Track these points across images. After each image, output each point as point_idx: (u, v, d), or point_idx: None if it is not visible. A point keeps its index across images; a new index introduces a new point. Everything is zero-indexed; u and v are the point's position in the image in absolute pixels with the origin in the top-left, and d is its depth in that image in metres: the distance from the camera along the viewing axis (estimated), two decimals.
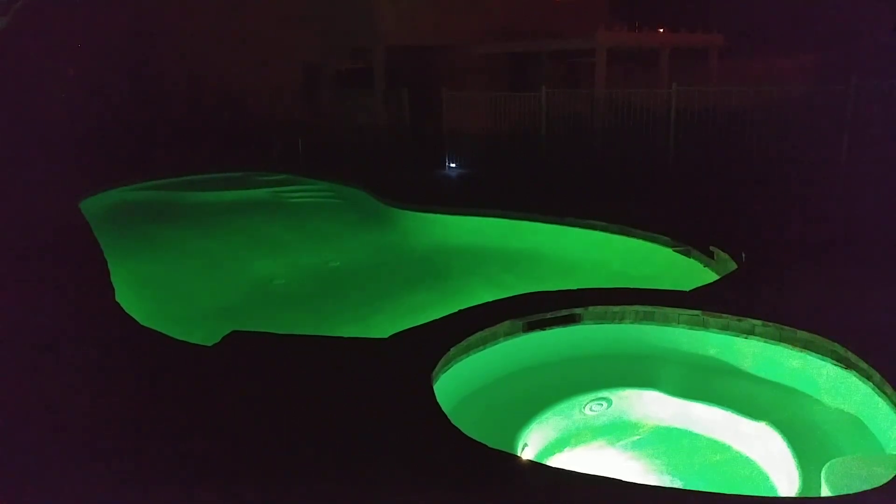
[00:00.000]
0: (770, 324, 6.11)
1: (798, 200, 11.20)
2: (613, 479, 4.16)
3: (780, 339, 6.04)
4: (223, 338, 6.16)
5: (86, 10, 19.09)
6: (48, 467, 4.28)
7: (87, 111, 17.89)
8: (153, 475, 4.19)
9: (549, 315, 6.46)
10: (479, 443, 4.39)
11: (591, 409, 5.83)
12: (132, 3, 20.23)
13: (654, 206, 11.44)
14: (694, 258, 8.83)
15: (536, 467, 4.55)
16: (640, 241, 9.74)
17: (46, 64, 18.98)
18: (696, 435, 5.71)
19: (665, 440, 5.72)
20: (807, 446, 5.02)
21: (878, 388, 5.15)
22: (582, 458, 5.53)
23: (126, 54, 20.18)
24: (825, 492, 4.12)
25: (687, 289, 7.11)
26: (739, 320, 6.26)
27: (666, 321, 6.55)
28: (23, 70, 17.78)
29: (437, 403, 4.87)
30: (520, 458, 4.88)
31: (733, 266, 8.02)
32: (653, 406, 5.89)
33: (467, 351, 5.92)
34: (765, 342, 6.13)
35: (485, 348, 6.08)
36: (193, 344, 6.07)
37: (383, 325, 6.80)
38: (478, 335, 6.02)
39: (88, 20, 19.18)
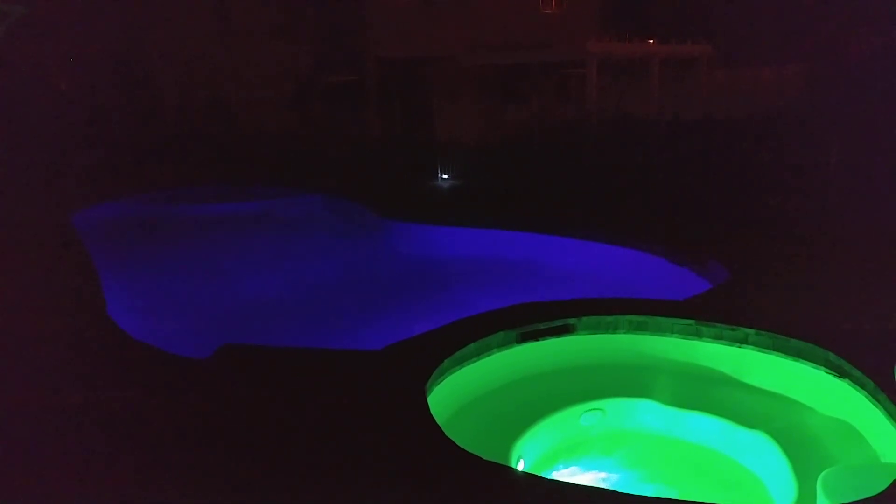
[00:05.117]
0: (763, 332, 6.12)
1: (790, 208, 11.24)
2: (609, 490, 4.15)
3: (774, 348, 6.04)
4: (216, 350, 6.12)
5: (77, 24, 19.09)
6: (37, 481, 4.24)
7: (78, 124, 17.84)
8: (144, 488, 4.15)
9: (542, 325, 6.45)
10: (474, 455, 4.37)
11: (585, 420, 5.81)
12: (124, 16, 20.24)
13: (647, 214, 11.47)
14: (688, 267, 8.84)
15: (532, 479, 4.53)
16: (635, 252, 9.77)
17: (38, 77, 18.95)
18: (692, 444, 5.69)
19: (660, 450, 5.71)
20: (802, 455, 5.01)
21: (872, 397, 5.15)
22: (577, 469, 5.51)
23: (117, 67, 20.18)
24: (821, 501, 4.11)
25: (680, 298, 7.12)
26: (733, 329, 6.26)
27: (659, 331, 6.54)
28: (14, 84, 17.74)
29: (431, 415, 4.84)
30: (515, 469, 4.86)
31: (727, 274, 8.04)
32: (648, 416, 5.88)
33: (461, 362, 5.89)
34: (758, 351, 6.13)
35: (478, 359, 6.06)
36: (186, 357, 6.04)
37: (376, 337, 6.77)
38: (471, 346, 6.00)
39: (80, 33, 19.18)
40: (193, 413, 5.11)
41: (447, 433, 4.62)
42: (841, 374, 5.53)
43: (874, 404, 5.11)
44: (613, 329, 6.61)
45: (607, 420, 5.86)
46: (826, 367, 5.67)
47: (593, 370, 6.36)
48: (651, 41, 23.87)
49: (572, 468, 5.51)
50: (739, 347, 6.22)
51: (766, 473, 5.18)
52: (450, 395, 5.62)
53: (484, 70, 23.69)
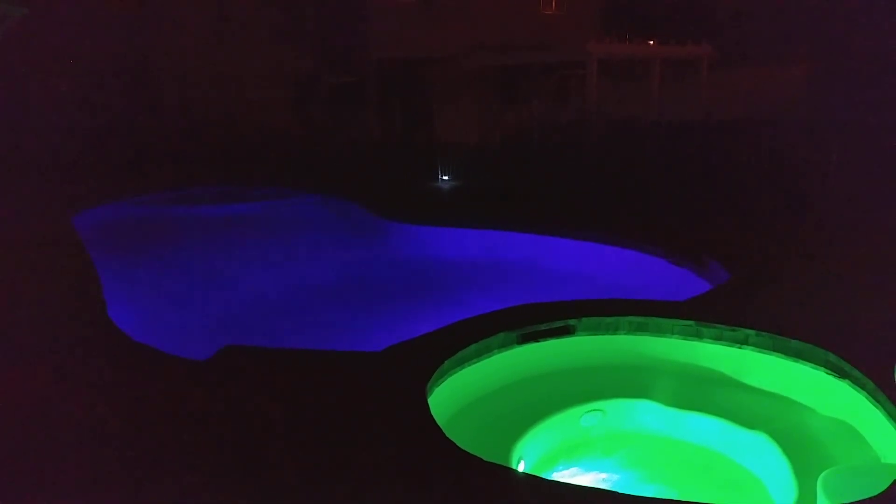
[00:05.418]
0: (763, 333, 6.13)
1: (789, 209, 11.25)
2: (609, 491, 4.15)
3: (774, 349, 6.05)
4: (216, 352, 6.13)
5: (78, 26, 19.10)
6: (37, 483, 4.25)
7: (78, 126, 17.85)
8: (144, 490, 4.16)
9: (543, 327, 6.46)
10: (475, 456, 4.38)
11: (586, 421, 5.82)
12: (124, 18, 20.25)
13: (648, 215, 11.47)
14: (688, 268, 8.85)
15: (532, 480, 4.53)
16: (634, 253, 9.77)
17: (39, 79, 18.97)
18: (692, 445, 5.70)
19: (660, 451, 5.71)
20: (803, 456, 5.02)
21: (872, 397, 5.16)
22: (578, 470, 5.51)
23: (118, 69, 20.19)
24: (821, 502, 4.12)
25: (681, 299, 7.13)
26: (733, 330, 6.27)
27: (660, 332, 6.55)
28: (15, 86, 17.76)
29: (432, 416, 4.85)
30: (515, 470, 4.86)
31: (727, 275, 8.04)
32: (648, 417, 5.89)
33: (461, 363, 5.90)
34: (758, 352, 6.14)
35: (479, 361, 6.06)
36: (187, 358, 6.04)
37: (377, 338, 6.78)
38: (472, 347, 6.01)
39: (81, 36, 19.19)
40: (194, 414, 5.11)
41: (448, 434, 4.63)
42: (841, 374, 5.54)
43: (874, 405, 5.12)
44: (614, 330, 6.62)
45: (608, 421, 5.87)
46: (826, 367, 5.68)
47: (594, 371, 6.37)
48: (651, 42, 23.88)
49: (573, 469, 5.52)
50: (740, 348, 6.23)
51: (767, 474, 5.18)
52: (450, 397, 5.63)
53: (484, 71, 23.70)
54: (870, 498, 3.89)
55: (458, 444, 4.50)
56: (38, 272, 9.06)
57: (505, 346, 6.26)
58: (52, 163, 16.25)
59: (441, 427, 4.72)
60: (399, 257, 11.76)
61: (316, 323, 9.15)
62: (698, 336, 6.41)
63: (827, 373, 5.66)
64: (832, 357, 5.63)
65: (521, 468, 5.13)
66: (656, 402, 5.87)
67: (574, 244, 10.56)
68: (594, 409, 5.84)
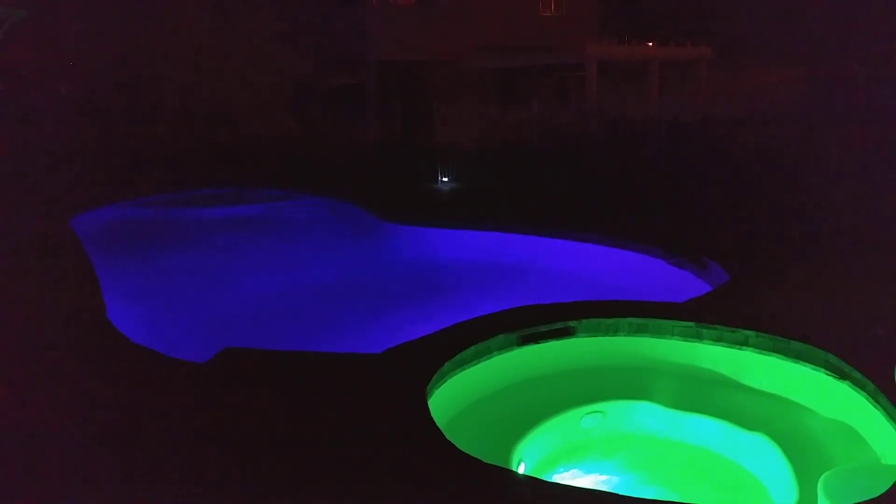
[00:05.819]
0: (763, 334, 6.12)
1: (789, 210, 11.24)
2: (610, 493, 4.15)
3: (774, 350, 6.04)
4: (216, 354, 6.12)
5: (77, 28, 19.12)
6: (38, 486, 4.24)
7: (78, 128, 17.86)
8: (145, 492, 4.15)
9: (543, 328, 6.45)
10: (475, 458, 4.37)
11: (586, 423, 5.81)
12: (123, 21, 20.28)
13: (648, 215, 11.47)
14: (688, 269, 8.84)
15: (533, 482, 4.53)
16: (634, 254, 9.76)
17: (38, 81, 18.99)
18: (692, 447, 5.69)
19: (661, 452, 5.70)
20: (803, 457, 5.01)
21: (873, 398, 5.15)
22: (578, 472, 5.51)
23: (118, 71, 20.22)
24: (822, 503, 4.11)
25: (681, 300, 7.12)
26: (733, 331, 6.27)
27: (660, 333, 6.54)
28: (14, 88, 17.78)
29: (432, 418, 4.84)
30: (516, 472, 4.85)
31: (727, 276, 8.04)
32: (648, 418, 5.88)
33: (461, 365, 5.89)
34: (759, 353, 6.13)
35: (479, 362, 6.06)
36: (186, 361, 6.03)
37: (377, 340, 6.78)
38: (471, 349, 6.00)
39: (80, 37, 19.21)
40: (194, 416, 5.11)
41: (448, 436, 4.62)
42: (841, 375, 5.53)
43: (875, 406, 5.11)
44: (614, 331, 6.61)
45: (608, 422, 5.86)
46: (826, 368, 5.67)
47: (594, 373, 6.36)
48: (650, 43, 23.91)
49: (573, 471, 5.51)
50: (740, 349, 6.22)
51: (767, 475, 5.17)
52: (450, 398, 5.62)
53: (484, 73, 23.72)
54: (870, 499, 3.88)
55: (459, 446, 4.50)
56: (37, 274, 9.06)
57: (505, 347, 6.26)
58: (53, 164, 16.25)
59: (441, 429, 4.71)
60: (399, 259, 11.76)
61: (316, 325, 9.14)
62: (698, 337, 6.40)
63: (827, 374, 5.65)
64: (832, 358, 5.62)
65: (521, 470, 5.12)
66: (657, 404, 5.86)
67: (574, 245, 10.55)
68: (594, 411, 5.83)
